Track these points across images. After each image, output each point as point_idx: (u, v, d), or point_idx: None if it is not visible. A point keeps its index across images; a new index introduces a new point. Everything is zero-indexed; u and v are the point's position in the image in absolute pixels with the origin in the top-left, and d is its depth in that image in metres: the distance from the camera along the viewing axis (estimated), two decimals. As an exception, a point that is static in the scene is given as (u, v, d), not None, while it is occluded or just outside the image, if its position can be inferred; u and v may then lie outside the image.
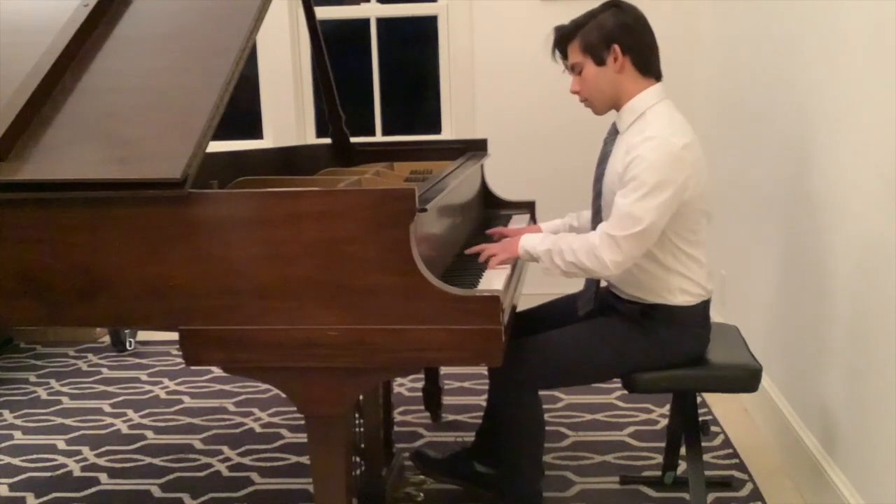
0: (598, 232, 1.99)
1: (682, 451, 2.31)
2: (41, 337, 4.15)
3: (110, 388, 3.50)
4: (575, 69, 2.12)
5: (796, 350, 2.55)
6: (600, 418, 3.02)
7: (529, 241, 2.10)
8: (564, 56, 2.14)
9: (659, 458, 2.62)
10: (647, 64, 2.08)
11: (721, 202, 3.46)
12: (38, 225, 1.72)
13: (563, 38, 2.12)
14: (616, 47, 2.05)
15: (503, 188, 3.06)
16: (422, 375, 3.11)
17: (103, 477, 2.71)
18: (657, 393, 2.21)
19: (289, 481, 2.63)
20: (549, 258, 2.04)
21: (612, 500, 2.46)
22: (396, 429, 2.91)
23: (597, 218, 2.19)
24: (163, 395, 3.41)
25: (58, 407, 3.32)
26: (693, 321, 2.14)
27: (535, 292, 2.88)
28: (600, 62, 2.07)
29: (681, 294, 2.10)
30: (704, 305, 2.16)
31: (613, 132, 2.17)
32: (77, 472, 2.75)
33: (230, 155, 2.44)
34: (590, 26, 2.07)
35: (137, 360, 3.85)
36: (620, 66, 2.06)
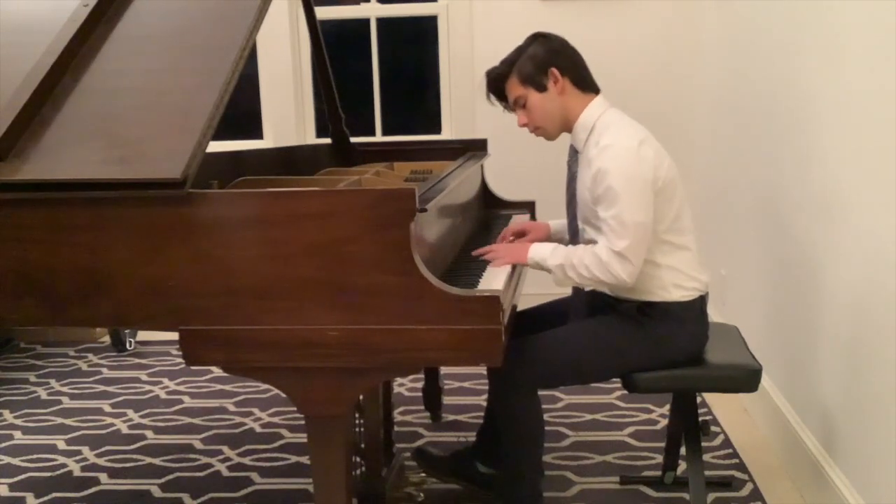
0: (602, 249, 2.02)
1: (683, 451, 2.31)
2: (41, 337, 4.15)
3: (110, 388, 3.50)
4: (518, 102, 2.19)
5: (796, 350, 2.55)
6: (600, 418, 3.02)
7: (539, 253, 2.11)
8: (500, 97, 2.24)
9: (659, 458, 2.62)
10: (585, 80, 2.18)
11: (721, 203, 3.46)
12: (38, 225, 1.72)
13: (500, 78, 2.21)
14: (554, 70, 2.13)
15: (503, 188, 3.06)
16: (422, 375, 3.11)
17: (103, 477, 2.71)
18: (657, 393, 2.21)
19: (289, 481, 2.63)
20: (562, 272, 2.07)
21: (612, 500, 2.46)
22: (396, 429, 2.91)
23: (575, 239, 2.22)
24: (163, 395, 3.41)
25: (58, 407, 3.32)
26: (690, 317, 2.14)
27: (535, 292, 2.88)
28: (542, 88, 2.15)
29: (675, 289, 2.11)
30: (701, 300, 2.16)
31: (573, 153, 2.23)
32: (77, 472, 2.75)
33: (230, 155, 2.44)
34: (522, 60, 2.17)
35: (137, 360, 3.85)
36: (562, 88, 2.15)
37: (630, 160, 2.01)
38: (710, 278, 2.21)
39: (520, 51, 2.18)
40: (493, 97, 2.25)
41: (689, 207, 2.15)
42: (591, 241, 2.13)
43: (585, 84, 2.17)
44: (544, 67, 2.13)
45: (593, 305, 2.22)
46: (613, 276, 2.00)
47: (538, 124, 2.20)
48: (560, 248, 2.11)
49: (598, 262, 2.01)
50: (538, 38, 2.18)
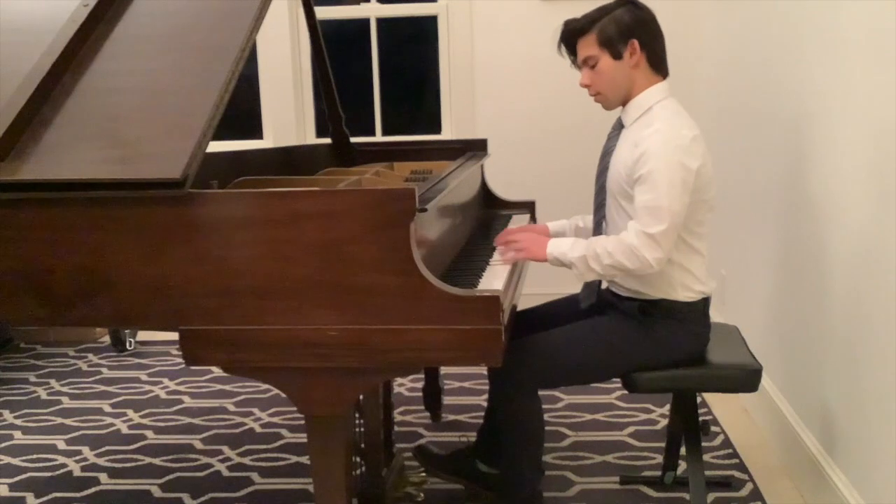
0: (631, 232, 1.98)
1: (683, 451, 2.31)
2: (41, 337, 4.15)
3: (110, 388, 3.50)
4: (588, 62, 2.13)
5: (796, 350, 2.55)
6: (600, 418, 3.02)
7: (559, 248, 2.08)
8: (571, 51, 2.16)
9: (659, 458, 2.62)
10: (660, 61, 2.12)
11: (721, 202, 3.45)
12: (39, 225, 1.72)
13: (576, 33, 2.13)
14: (635, 42, 2.07)
15: (503, 188, 3.06)
16: (422, 375, 3.11)
17: (103, 477, 2.71)
18: (657, 393, 2.21)
19: (289, 481, 2.63)
20: (584, 264, 2.02)
21: (612, 500, 2.46)
22: (396, 429, 2.91)
23: (599, 213, 2.19)
24: (163, 395, 3.41)
25: (58, 407, 3.32)
26: (693, 318, 2.14)
27: (535, 292, 2.88)
28: (617, 56, 2.09)
29: (682, 290, 2.11)
30: (705, 303, 2.16)
31: (618, 126, 2.19)
32: (77, 472, 2.75)
33: (230, 155, 2.44)
34: (606, 21, 2.09)
35: (137, 360, 3.85)
36: (636, 62, 2.09)
37: (680, 149, 1.98)
38: (715, 285, 2.20)
39: (605, 10, 2.10)
40: (563, 48, 2.17)
41: (711, 217, 2.13)
42: (613, 219, 2.12)
43: (659, 65, 2.12)
44: (626, 36, 2.07)
45: (595, 305, 2.21)
46: (640, 259, 1.96)
47: (601, 90, 2.13)
48: (579, 240, 2.08)
49: (624, 248, 1.97)
50: (628, 2, 2.11)
